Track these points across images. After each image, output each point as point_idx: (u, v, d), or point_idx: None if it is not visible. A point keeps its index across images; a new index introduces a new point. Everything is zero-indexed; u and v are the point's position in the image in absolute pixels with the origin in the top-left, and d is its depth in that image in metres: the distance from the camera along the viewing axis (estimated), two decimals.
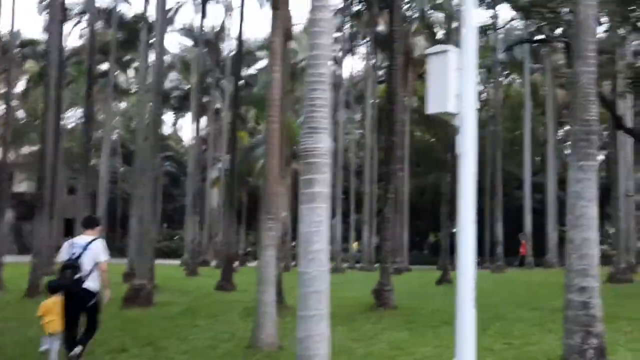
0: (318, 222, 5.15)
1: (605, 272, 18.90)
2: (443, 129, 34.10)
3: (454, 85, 5.23)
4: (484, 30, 28.75)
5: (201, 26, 27.80)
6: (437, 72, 5.31)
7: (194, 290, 16.58)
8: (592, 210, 6.83)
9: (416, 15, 31.55)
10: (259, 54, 39.21)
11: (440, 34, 31.87)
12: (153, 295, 12.92)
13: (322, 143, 5.25)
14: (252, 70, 40.62)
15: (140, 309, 12.06)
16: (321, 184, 5.21)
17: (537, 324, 10.17)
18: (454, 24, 32.67)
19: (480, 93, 38.46)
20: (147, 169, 13.02)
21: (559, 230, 31.11)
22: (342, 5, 30.83)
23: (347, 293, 15.01)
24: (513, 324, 10.23)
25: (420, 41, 32.10)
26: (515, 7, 13.50)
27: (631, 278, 17.03)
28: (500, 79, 39.28)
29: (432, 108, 5.36)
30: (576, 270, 6.81)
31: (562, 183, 33.14)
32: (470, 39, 5.19)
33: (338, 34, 32.73)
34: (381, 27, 30.87)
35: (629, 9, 11.29)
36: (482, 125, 36.58)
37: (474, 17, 5.26)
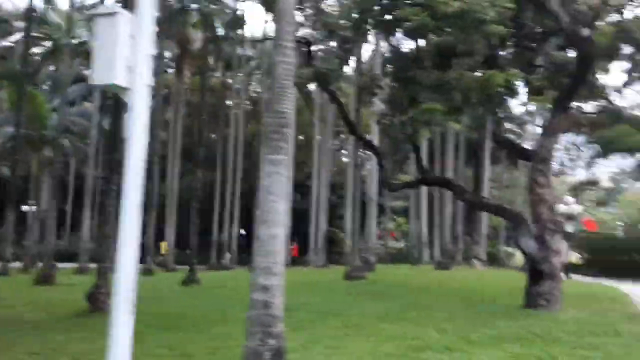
0: None
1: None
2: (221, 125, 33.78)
3: (125, 55, 4.45)
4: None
5: None
6: (105, 37, 4.50)
7: None
8: (281, 206, 6.58)
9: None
10: (18, 24, 34.26)
11: (220, 29, 31.28)
12: None
13: None
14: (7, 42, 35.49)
15: None
16: None
17: None
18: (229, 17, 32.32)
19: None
20: None
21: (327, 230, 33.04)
22: None
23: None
24: (236, 326, 9.81)
25: (198, 34, 31.16)
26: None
27: (364, 276, 18.28)
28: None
29: (98, 78, 4.56)
30: (261, 268, 6.49)
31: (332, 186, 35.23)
32: (146, 2, 4.47)
33: None
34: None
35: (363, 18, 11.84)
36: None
37: None
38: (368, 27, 12.81)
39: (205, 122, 25.45)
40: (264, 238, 6.51)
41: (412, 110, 11.36)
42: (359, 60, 16.87)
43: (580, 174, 39.88)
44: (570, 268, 27.48)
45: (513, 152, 15.90)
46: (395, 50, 14.08)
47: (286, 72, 6.67)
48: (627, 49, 24.35)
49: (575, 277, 26.48)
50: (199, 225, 28.90)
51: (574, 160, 38.99)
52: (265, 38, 21.30)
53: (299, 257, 32.94)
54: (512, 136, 33.56)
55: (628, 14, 15.19)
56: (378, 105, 17.24)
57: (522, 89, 15.74)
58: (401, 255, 39.86)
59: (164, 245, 31.64)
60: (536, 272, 11.31)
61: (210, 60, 29.61)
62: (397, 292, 14.01)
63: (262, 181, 6.61)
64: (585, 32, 10.14)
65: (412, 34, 11.93)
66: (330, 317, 10.07)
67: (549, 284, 11.31)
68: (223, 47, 27.41)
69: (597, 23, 11.73)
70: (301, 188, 33.84)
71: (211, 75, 30.09)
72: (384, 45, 18.88)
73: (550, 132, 11.32)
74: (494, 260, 36.65)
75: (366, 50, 19.13)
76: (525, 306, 11.47)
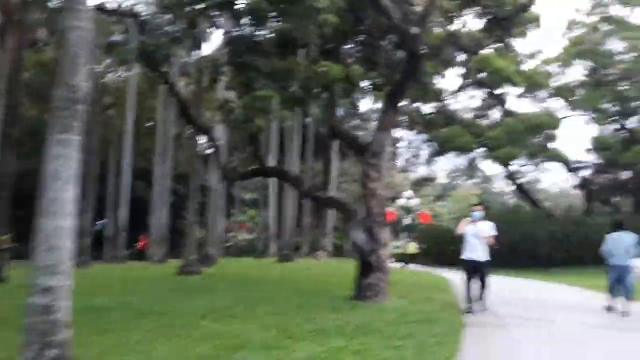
0: None
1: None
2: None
3: None
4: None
5: None
6: None
7: None
8: (69, 194, 5.70)
9: None
10: None
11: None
12: None
13: None
14: None
15: None
16: None
17: None
18: None
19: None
20: None
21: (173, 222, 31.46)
22: None
23: None
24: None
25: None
26: None
27: (200, 270, 17.52)
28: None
29: None
30: (42, 267, 5.57)
31: (177, 177, 33.64)
32: None
33: None
34: None
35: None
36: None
37: None
38: (204, 9, 12.07)
39: (25, 101, 22.71)
40: (47, 231, 5.60)
41: (247, 97, 10.91)
42: (201, 43, 16.02)
43: (421, 171, 42.56)
44: (408, 258, 29.24)
45: (352, 147, 16.16)
46: (237, 34, 13.49)
47: (80, 39, 5.79)
48: (461, 56, 26.31)
49: (413, 266, 28.17)
50: (24, 215, 25.85)
51: (415, 157, 41.49)
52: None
53: (145, 250, 31.13)
54: (360, 132, 34.73)
55: (458, 23, 16.28)
56: (221, 91, 16.58)
57: (367, 85, 16.08)
58: (251, 247, 39.56)
59: (3, 239, 27.66)
60: (365, 264, 11.49)
61: (42, 34, 26.53)
62: (230, 286, 13.50)
63: (48, 165, 5.68)
64: (415, 30, 10.44)
65: (251, 18, 11.43)
66: (148, 316, 9.26)
67: (376, 276, 11.55)
68: (56, 19, 24.74)
69: (428, 25, 12.21)
70: (145, 176, 31.89)
71: (42, 49, 26.96)
72: (232, 30, 18.18)
73: (381, 127, 11.57)
74: (340, 251, 37.83)
75: (215, 34, 18.30)
76: (354, 298, 11.62)
